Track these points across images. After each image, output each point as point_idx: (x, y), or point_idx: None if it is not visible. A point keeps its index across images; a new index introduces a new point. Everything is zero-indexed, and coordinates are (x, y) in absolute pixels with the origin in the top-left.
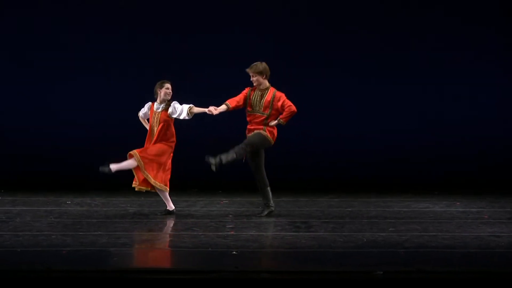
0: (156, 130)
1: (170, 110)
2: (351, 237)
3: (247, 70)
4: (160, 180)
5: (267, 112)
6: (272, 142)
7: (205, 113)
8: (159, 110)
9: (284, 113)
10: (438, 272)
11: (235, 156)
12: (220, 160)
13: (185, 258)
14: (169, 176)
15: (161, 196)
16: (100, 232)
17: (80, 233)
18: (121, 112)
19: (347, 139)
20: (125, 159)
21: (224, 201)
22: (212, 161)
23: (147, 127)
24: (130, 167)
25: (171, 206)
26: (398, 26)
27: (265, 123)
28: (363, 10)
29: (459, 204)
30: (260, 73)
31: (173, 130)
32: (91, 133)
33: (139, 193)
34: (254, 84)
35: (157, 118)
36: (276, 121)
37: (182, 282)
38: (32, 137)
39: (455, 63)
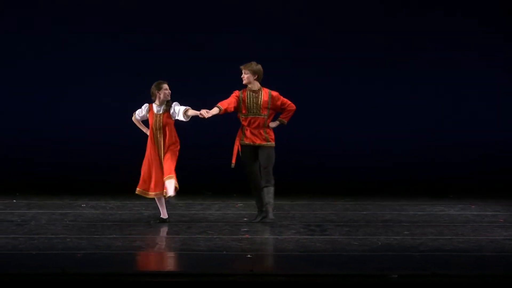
0: (161, 134)
1: (171, 111)
2: (366, 240)
3: (241, 67)
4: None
5: (266, 113)
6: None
7: (197, 116)
8: (161, 112)
9: (286, 113)
10: (453, 275)
11: (272, 192)
12: (267, 213)
13: (200, 262)
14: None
15: (158, 202)
16: (115, 235)
17: (95, 236)
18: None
19: (363, 142)
20: (135, 163)
21: (239, 204)
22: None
23: (144, 129)
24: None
25: (165, 214)
26: (400, 28)
27: (265, 125)
28: (366, 11)
29: (474, 208)
30: (253, 72)
31: (175, 129)
32: (106, 136)
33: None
34: (244, 82)
35: (159, 121)
36: (277, 122)
37: (197, 285)
38: (47, 140)
39: (464, 65)
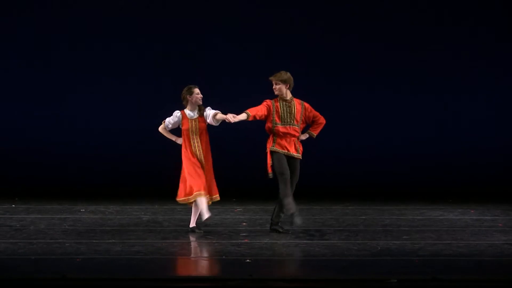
0: (198, 139)
1: (204, 115)
2: (365, 245)
3: (270, 78)
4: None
5: (298, 123)
6: None
7: (224, 120)
8: (195, 116)
9: (316, 125)
10: (452, 280)
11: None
12: (295, 218)
13: (199, 266)
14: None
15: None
16: (114, 240)
17: (94, 241)
18: (136, 119)
19: (361, 147)
20: (133, 168)
21: (238, 209)
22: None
23: (173, 138)
24: (204, 204)
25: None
26: (409, 35)
27: (298, 135)
28: (378, 20)
29: (473, 212)
30: (284, 81)
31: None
32: (105, 141)
33: (153, 201)
34: (276, 93)
35: (195, 126)
36: (306, 135)
37: None
38: (46, 146)
39: (463, 71)
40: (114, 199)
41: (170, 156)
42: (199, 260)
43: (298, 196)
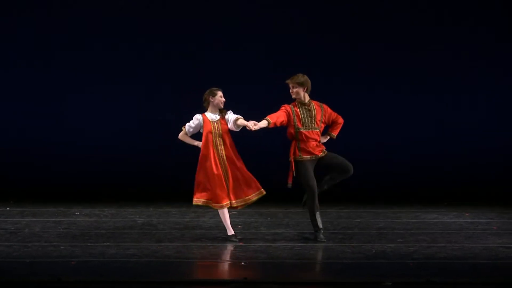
0: (221, 141)
1: (226, 118)
2: (360, 248)
3: (287, 81)
4: (253, 194)
5: (319, 126)
6: None
7: (244, 127)
8: (217, 119)
9: (335, 126)
10: (447, 283)
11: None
12: (320, 234)
13: (193, 269)
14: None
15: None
16: (108, 243)
17: (89, 244)
18: (131, 122)
19: (356, 149)
20: (129, 170)
21: (233, 212)
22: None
23: (195, 143)
24: (226, 219)
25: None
26: (401, 35)
27: (320, 138)
28: (378, 20)
29: (468, 215)
30: (301, 84)
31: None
32: (100, 143)
33: (148, 203)
34: (293, 96)
35: (218, 129)
36: (327, 137)
37: None
38: (41, 148)
39: (461, 73)
40: (109, 202)
41: (166, 159)
42: (194, 263)
43: (293, 199)
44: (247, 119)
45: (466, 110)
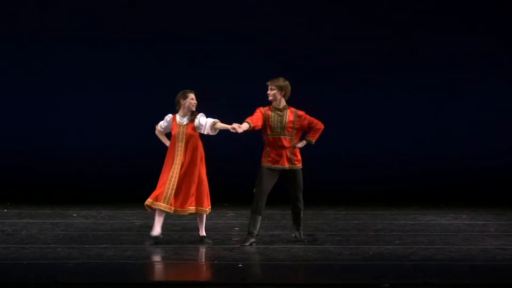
0: (182, 146)
1: (196, 123)
2: (357, 249)
3: (267, 82)
4: (205, 205)
5: (291, 133)
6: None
7: (227, 130)
8: (184, 123)
9: (313, 132)
10: (444, 284)
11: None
12: (300, 234)
13: (191, 271)
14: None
15: (201, 221)
16: (106, 245)
17: (86, 245)
18: (129, 124)
19: (353, 152)
20: (126, 172)
21: (230, 214)
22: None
23: (166, 142)
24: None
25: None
26: (399, 38)
27: (291, 145)
28: (377, 21)
29: (465, 217)
30: (280, 88)
31: (201, 144)
32: (98, 145)
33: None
34: (270, 99)
35: (183, 132)
36: (303, 142)
37: None
38: (38, 150)
39: (457, 78)
40: (106, 204)
41: (163, 160)
42: (192, 264)
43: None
44: (227, 121)
45: (464, 113)
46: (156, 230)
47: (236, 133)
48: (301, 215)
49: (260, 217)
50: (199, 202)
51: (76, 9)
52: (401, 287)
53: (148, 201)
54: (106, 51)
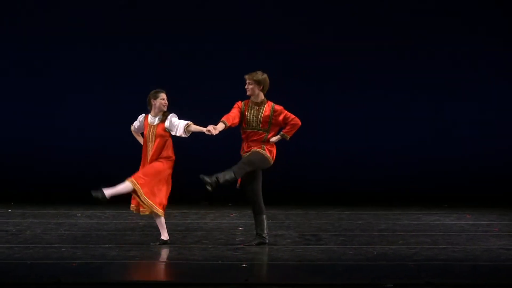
0: (152, 146)
1: (166, 124)
2: (361, 250)
3: (246, 75)
4: (156, 203)
5: (266, 127)
6: (272, 162)
7: (203, 132)
8: (155, 123)
9: (288, 127)
10: (447, 285)
11: (233, 175)
12: (217, 179)
13: (195, 271)
14: (165, 200)
15: (156, 222)
16: (110, 245)
17: (90, 245)
18: (129, 124)
19: (357, 152)
20: (130, 172)
21: (234, 214)
22: (208, 180)
23: (141, 141)
24: (126, 190)
25: (165, 236)
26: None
27: (264, 140)
28: (378, 21)
29: (469, 217)
30: (258, 82)
31: (172, 145)
32: (101, 144)
33: None
34: (248, 93)
35: (152, 132)
36: (278, 137)
37: None
38: (42, 150)
39: (458, 78)
40: (110, 203)
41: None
42: (195, 265)
43: (295, 201)
44: (206, 121)
45: (468, 112)
46: (107, 192)
47: (212, 135)
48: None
49: (264, 216)
50: (158, 203)
51: (76, 9)
52: (404, 287)
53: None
54: (106, 51)
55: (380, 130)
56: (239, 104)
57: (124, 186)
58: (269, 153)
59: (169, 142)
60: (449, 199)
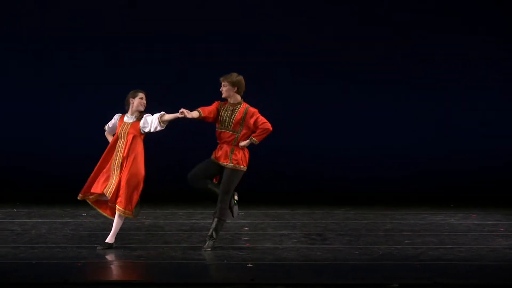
0: (123, 142)
1: (141, 122)
2: (366, 249)
3: (221, 78)
4: (123, 206)
5: (238, 130)
6: (245, 168)
7: (178, 118)
8: (130, 121)
9: (258, 131)
10: (453, 285)
11: (222, 218)
12: (212, 237)
13: (200, 271)
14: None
15: (115, 224)
16: (115, 245)
17: (96, 245)
18: None
19: (363, 152)
20: None
21: (239, 214)
22: (208, 245)
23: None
24: (120, 221)
25: (111, 239)
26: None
27: (234, 142)
28: (378, 21)
29: (475, 217)
30: (232, 83)
31: (143, 146)
32: (100, 145)
33: (154, 205)
34: (223, 95)
35: (125, 129)
36: (247, 141)
37: None
38: (48, 150)
39: (463, 76)
40: None
41: (172, 160)
42: (201, 264)
43: (300, 201)
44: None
45: (474, 112)
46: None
47: (185, 118)
48: (215, 223)
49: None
50: (125, 204)
51: (76, 9)
52: (410, 287)
53: (80, 195)
54: (106, 51)
55: (383, 129)
56: (217, 103)
57: (117, 222)
58: (241, 162)
59: (142, 142)
60: (455, 199)
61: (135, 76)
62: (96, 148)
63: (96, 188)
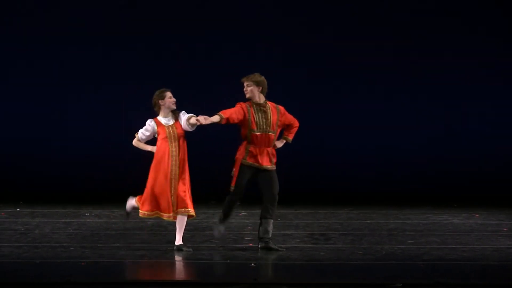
0: (177, 146)
1: (182, 122)
2: (370, 249)
3: (242, 79)
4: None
5: (275, 130)
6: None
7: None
8: (171, 123)
9: (292, 130)
10: (457, 284)
11: (268, 229)
12: (267, 243)
13: (203, 271)
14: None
15: (182, 225)
16: (118, 244)
17: (99, 245)
18: (141, 123)
19: (366, 152)
20: (138, 172)
21: (242, 213)
22: (271, 246)
23: (148, 148)
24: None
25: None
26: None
27: (273, 143)
28: (379, 21)
29: (478, 217)
30: (257, 83)
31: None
32: (110, 146)
33: None
34: (247, 96)
35: (173, 132)
36: (283, 141)
37: None
38: (51, 150)
39: (469, 75)
40: (119, 203)
41: None
42: (204, 264)
43: (304, 201)
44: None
45: (476, 112)
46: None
47: (201, 125)
48: (271, 224)
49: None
50: (190, 204)
51: (76, 9)
52: (413, 287)
53: (148, 213)
54: (106, 51)
55: (385, 129)
56: (243, 105)
57: (183, 222)
58: (275, 162)
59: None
60: (458, 199)
61: (135, 76)
62: (96, 148)
63: (165, 208)
